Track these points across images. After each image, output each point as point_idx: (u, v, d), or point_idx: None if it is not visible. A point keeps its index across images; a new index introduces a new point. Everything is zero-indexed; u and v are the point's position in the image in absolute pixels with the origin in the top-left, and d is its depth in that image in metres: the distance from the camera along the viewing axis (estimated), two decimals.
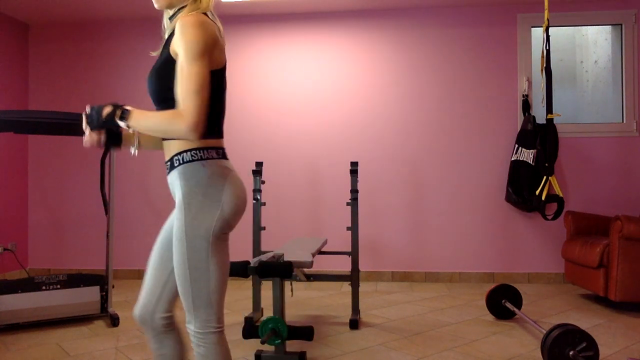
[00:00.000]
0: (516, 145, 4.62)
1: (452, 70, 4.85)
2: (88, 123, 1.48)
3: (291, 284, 3.74)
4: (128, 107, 1.44)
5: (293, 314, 3.67)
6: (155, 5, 1.56)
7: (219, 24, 1.54)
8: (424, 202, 4.83)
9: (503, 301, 3.47)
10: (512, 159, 4.62)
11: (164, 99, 1.48)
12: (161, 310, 1.59)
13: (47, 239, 5.17)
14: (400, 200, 4.84)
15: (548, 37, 3.37)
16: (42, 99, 5.21)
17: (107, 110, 1.45)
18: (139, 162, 5.08)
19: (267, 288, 4.47)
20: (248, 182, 4.94)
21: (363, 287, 4.60)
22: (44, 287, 3.34)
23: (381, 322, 3.45)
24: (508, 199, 4.62)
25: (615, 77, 4.84)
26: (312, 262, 2.58)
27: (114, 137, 1.61)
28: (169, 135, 1.43)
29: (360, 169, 4.89)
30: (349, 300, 4.08)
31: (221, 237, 1.47)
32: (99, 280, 3.53)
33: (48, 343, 3.04)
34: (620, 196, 4.66)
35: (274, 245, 4.87)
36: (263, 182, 3.64)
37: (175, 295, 1.61)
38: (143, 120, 1.42)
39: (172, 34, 1.51)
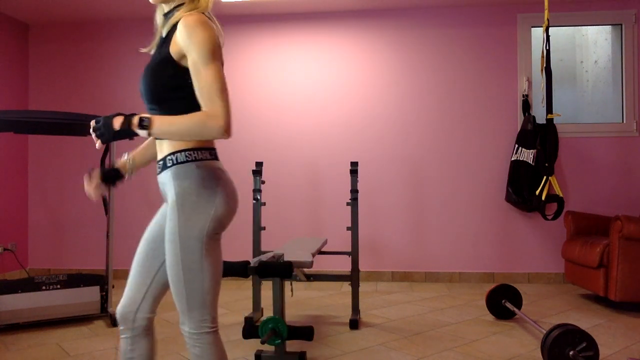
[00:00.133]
0: (516, 145, 4.62)
1: (452, 70, 4.85)
2: (99, 136, 1.42)
3: (291, 284, 3.74)
4: (146, 115, 1.40)
5: (293, 314, 3.67)
6: (150, 0, 1.55)
7: (217, 24, 1.53)
8: (424, 202, 4.83)
9: (503, 301, 3.47)
10: (512, 159, 4.62)
11: (161, 98, 1.47)
12: (145, 310, 1.58)
13: (47, 239, 5.18)
14: (400, 200, 4.84)
15: (548, 37, 3.37)
16: (42, 99, 5.21)
17: (118, 121, 1.40)
18: None
19: (267, 288, 4.47)
20: (248, 182, 4.95)
21: (363, 287, 4.60)
22: (44, 287, 3.34)
23: (381, 322, 3.45)
24: (508, 199, 4.62)
25: (615, 77, 4.84)
26: (312, 262, 2.58)
27: (113, 177, 1.67)
28: (200, 137, 1.40)
29: (360, 169, 4.89)
30: (349, 300, 4.08)
31: (214, 237, 1.48)
32: (99, 280, 3.53)
33: (48, 343, 3.04)
34: (620, 196, 4.66)
35: (274, 245, 4.87)
36: (263, 182, 3.64)
37: (160, 294, 1.60)
38: (167, 126, 1.39)
39: (169, 33, 1.49)
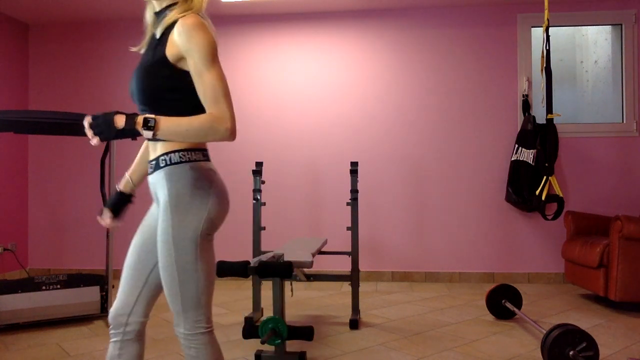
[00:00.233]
0: (516, 145, 4.62)
1: (452, 70, 4.85)
2: (98, 134, 1.38)
3: (291, 284, 3.74)
4: (151, 116, 1.37)
5: (293, 314, 3.67)
6: None
7: (211, 24, 1.52)
8: (424, 202, 4.83)
9: (503, 301, 3.47)
10: (512, 159, 4.62)
11: (155, 100, 1.45)
12: (138, 313, 1.56)
13: (47, 239, 5.18)
14: (400, 200, 4.84)
15: (548, 37, 3.37)
16: (42, 99, 5.21)
17: (120, 119, 1.36)
18: None
19: (267, 288, 4.47)
20: (248, 182, 4.95)
21: (363, 287, 4.60)
22: (44, 287, 3.34)
23: (381, 322, 3.45)
24: (508, 199, 4.62)
25: (615, 77, 4.84)
26: (312, 262, 2.58)
27: (121, 203, 1.73)
28: (206, 140, 1.40)
29: (360, 168, 4.89)
30: (349, 300, 4.08)
31: (207, 238, 1.48)
32: (99, 280, 3.53)
33: (48, 343, 3.04)
34: (620, 196, 4.66)
35: (274, 245, 4.87)
36: (263, 182, 3.64)
37: (153, 297, 1.59)
38: (174, 127, 1.37)
39: (164, 34, 1.47)
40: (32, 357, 2.80)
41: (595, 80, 5.18)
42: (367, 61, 4.92)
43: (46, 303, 3.33)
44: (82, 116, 3.31)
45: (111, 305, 3.54)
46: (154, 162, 1.50)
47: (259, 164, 3.71)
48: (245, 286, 4.67)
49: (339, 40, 4.95)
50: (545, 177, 3.37)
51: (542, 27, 4.40)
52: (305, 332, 2.47)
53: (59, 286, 3.39)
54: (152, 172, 1.52)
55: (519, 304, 3.48)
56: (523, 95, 4.73)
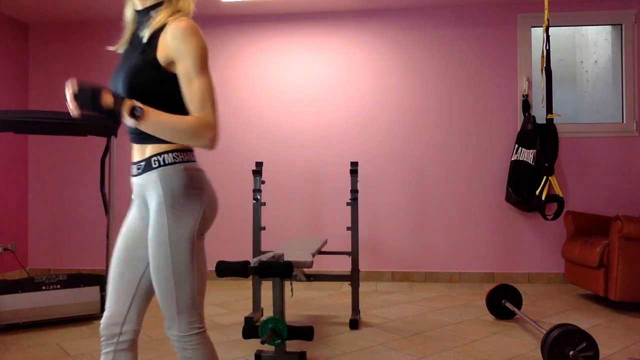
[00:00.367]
0: (516, 145, 4.62)
1: (452, 70, 4.85)
2: (80, 105, 1.33)
3: (291, 284, 3.74)
4: (140, 105, 1.34)
5: (293, 314, 3.67)
6: None
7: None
8: (424, 202, 4.83)
9: (503, 301, 3.47)
10: (512, 159, 4.62)
11: (143, 103, 1.40)
12: (132, 322, 1.52)
13: (47, 239, 5.18)
14: (400, 200, 4.84)
15: (548, 37, 3.37)
16: (42, 99, 5.21)
17: (108, 97, 1.32)
18: None
19: (267, 288, 4.47)
20: (248, 182, 4.95)
21: (363, 287, 4.60)
22: (44, 287, 3.34)
23: (381, 322, 3.45)
24: (508, 199, 4.62)
25: (615, 77, 4.84)
26: (312, 262, 2.58)
27: (89, 99, 1.35)
28: (187, 142, 1.39)
29: (360, 168, 4.89)
30: (349, 300, 4.08)
31: (200, 237, 1.48)
32: (99, 280, 3.53)
33: (48, 343, 3.04)
34: (620, 196, 4.66)
35: (274, 245, 4.87)
36: (263, 182, 3.64)
37: (146, 304, 1.55)
38: (160, 122, 1.35)
39: (153, 36, 1.44)
40: (32, 357, 2.80)
41: (595, 80, 5.18)
42: (367, 61, 4.92)
43: (46, 303, 3.33)
44: (82, 116, 3.31)
45: None
46: (142, 164, 1.47)
47: (259, 164, 3.71)
48: (245, 286, 4.67)
49: (339, 40, 4.95)
50: (545, 177, 3.37)
51: (542, 27, 4.40)
52: (305, 332, 2.47)
53: (59, 286, 3.39)
54: (140, 174, 1.48)
55: (519, 304, 3.48)
56: (523, 95, 4.73)
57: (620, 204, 4.65)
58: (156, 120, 1.35)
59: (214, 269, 4.82)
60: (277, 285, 2.55)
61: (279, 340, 2.47)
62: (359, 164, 4.42)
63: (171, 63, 1.41)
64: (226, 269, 2.45)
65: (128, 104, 1.33)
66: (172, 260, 1.43)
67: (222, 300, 4.13)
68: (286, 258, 2.62)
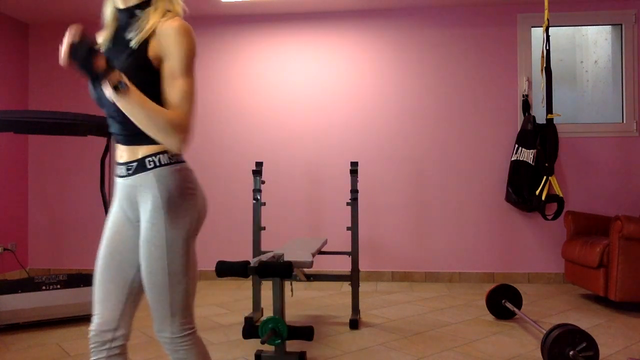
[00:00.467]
0: (516, 145, 4.62)
1: (452, 70, 4.85)
2: (72, 57, 1.24)
3: (291, 284, 3.74)
4: (126, 81, 1.29)
5: (293, 314, 3.67)
6: None
7: None
8: (424, 202, 4.83)
9: (503, 301, 3.47)
10: (512, 159, 4.62)
11: None
12: (124, 327, 1.49)
13: (47, 239, 5.17)
14: (400, 200, 4.84)
15: (548, 37, 3.37)
16: (42, 99, 5.21)
17: (101, 61, 1.24)
18: None
19: (267, 288, 4.47)
20: (248, 182, 4.95)
21: (363, 287, 4.60)
22: (44, 287, 3.34)
23: (381, 322, 3.45)
24: (508, 199, 4.62)
25: (615, 77, 4.84)
26: (312, 262, 2.58)
27: (84, 54, 1.28)
28: (157, 136, 1.35)
29: (360, 169, 4.89)
30: (349, 300, 4.08)
31: (194, 238, 1.48)
32: None
33: (48, 343, 3.04)
34: (620, 196, 4.66)
35: (274, 245, 4.87)
36: (263, 182, 3.64)
37: (135, 308, 1.52)
38: (139, 105, 1.31)
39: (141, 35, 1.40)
40: (32, 357, 2.80)
41: (595, 80, 5.18)
42: (367, 61, 4.92)
43: (46, 303, 3.33)
44: (82, 116, 3.31)
45: None
46: (134, 164, 1.44)
47: (259, 164, 3.71)
48: (245, 286, 4.67)
49: (339, 40, 4.95)
50: (545, 177, 3.37)
51: (542, 27, 4.40)
52: (305, 332, 2.47)
53: (59, 286, 3.39)
54: (130, 175, 1.45)
55: (519, 304, 3.48)
56: (523, 95, 4.73)
57: (620, 204, 4.65)
58: (137, 101, 1.31)
59: (214, 269, 4.82)
60: (277, 285, 2.55)
61: (279, 340, 2.47)
62: (359, 164, 4.41)
63: (160, 61, 1.40)
64: (226, 269, 2.45)
65: (116, 75, 1.27)
66: (168, 262, 1.41)
67: (222, 300, 4.13)
68: (286, 258, 2.62)
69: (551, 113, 3.40)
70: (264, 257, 2.56)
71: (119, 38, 1.46)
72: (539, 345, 2.91)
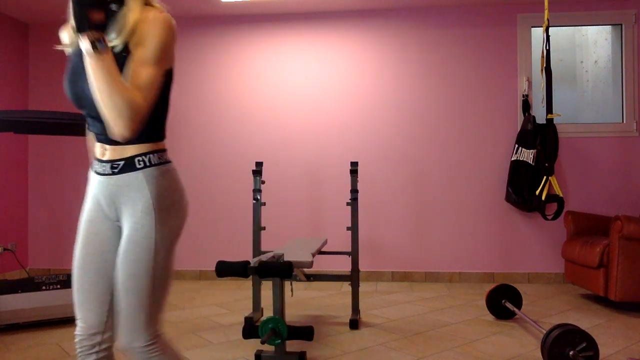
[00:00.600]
0: (516, 145, 4.62)
1: (452, 70, 4.85)
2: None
3: (291, 284, 3.74)
4: (108, 43, 1.23)
5: (293, 314, 3.67)
6: None
7: None
8: (424, 202, 4.83)
9: (503, 301, 3.47)
10: (512, 159, 4.62)
11: None
12: (111, 329, 1.45)
13: (47, 239, 5.17)
14: (400, 200, 4.84)
15: (548, 37, 3.37)
16: (42, 99, 5.21)
17: (98, 15, 1.20)
18: None
19: (267, 288, 4.47)
20: (248, 182, 4.95)
21: (363, 287, 4.60)
22: (44, 287, 3.34)
23: (381, 322, 3.45)
24: (508, 199, 4.62)
25: (615, 77, 4.84)
26: (312, 262, 2.58)
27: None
28: (106, 109, 1.24)
29: (360, 169, 4.89)
30: (349, 300, 4.08)
31: (177, 242, 1.45)
32: None
33: (48, 343, 3.04)
34: (620, 196, 4.66)
35: (274, 245, 4.87)
36: (263, 182, 3.64)
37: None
38: (108, 74, 1.22)
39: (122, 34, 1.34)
40: (32, 357, 2.80)
41: (595, 80, 5.18)
42: (366, 61, 4.92)
43: (46, 303, 3.33)
44: (82, 116, 3.31)
45: None
46: (121, 163, 1.40)
47: (259, 164, 3.71)
48: (245, 286, 4.67)
49: (339, 40, 4.95)
50: (545, 177, 3.37)
51: (542, 27, 4.39)
52: (305, 332, 2.47)
53: (59, 286, 3.39)
54: (115, 173, 1.40)
55: (519, 304, 3.48)
56: (523, 95, 4.73)
57: (620, 204, 4.65)
58: (107, 69, 1.22)
59: (214, 269, 4.81)
60: (277, 285, 2.55)
61: (279, 340, 2.47)
62: (359, 164, 4.41)
63: (135, 46, 1.33)
64: (226, 269, 2.45)
65: (100, 34, 1.21)
66: (153, 265, 1.37)
67: (222, 300, 4.13)
68: (286, 258, 2.62)
69: (551, 113, 3.40)
70: (264, 257, 2.56)
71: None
72: (539, 345, 2.91)
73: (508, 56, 4.80)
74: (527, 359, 2.70)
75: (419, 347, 2.91)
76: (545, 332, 2.51)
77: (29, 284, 3.32)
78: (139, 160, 1.40)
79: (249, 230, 4.90)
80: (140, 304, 1.37)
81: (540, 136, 4.36)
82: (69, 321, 3.51)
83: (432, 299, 4.13)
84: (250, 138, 4.99)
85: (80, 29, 1.20)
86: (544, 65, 3.41)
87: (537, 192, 3.41)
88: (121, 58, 1.32)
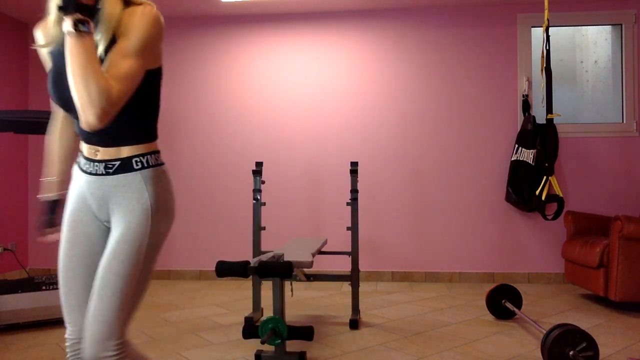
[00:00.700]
0: (516, 145, 4.62)
1: (452, 70, 4.85)
2: None
3: (291, 284, 3.74)
4: (92, 29, 1.21)
5: (293, 314, 3.67)
6: None
7: None
8: (424, 202, 4.83)
9: (503, 301, 3.47)
10: (512, 159, 4.62)
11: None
12: None
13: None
14: (400, 200, 4.84)
15: (548, 37, 3.37)
16: (42, 99, 5.21)
17: None
18: None
19: (267, 288, 4.47)
20: (248, 182, 4.95)
21: (363, 287, 4.60)
22: (44, 287, 3.34)
23: (381, 322, 3.45)
24: (508, 199, 4.62)
25: (615, 77, 4.84)
26: (312, 262, 2.58)
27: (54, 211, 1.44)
28: (80, 97, 1.19)
29: (360, 169, 4.89)
30: (349, 300, 4.08)
31: None
32: None
33: (48, 343, 3.04)
34: (620, 196, 4.66)
35: (274, 245, 4.87)
36: (263, 182, 3.64)
37: None
38: (85, 59, 1.18)
39: (107, 31, 1.30)
40: (32, 357, 2.80)
41: (595, 80, 5.18)
42: (366, 61, 4.92)
43: (46, 303, 3.33)
44: None
45: None
46: (116, 163, 1.38)
47: (259, 164, 3.71)
48: (245, 286, 4.67)
49: (338, 40, 4.95)
50: (545, 177, 3.36)
51: (542, 27, 4.40)
52: (305, 332, 2.47)
53: (58, 286, 3.38)
54: (110, 174, 1.38)
55: (519, 304, 3.48)
56: (523, 95, 4.73)
57: (620, 204, 4.65)
58: (86, 53, 1.19)
59: (214, 269, 4.81)
60: (277, 285, 2.55)
61: (279, 340, 2.47)
62: (359, 164, 4.42)
63: (119, 37, 1.30)
64: (226, 269, 2.45)
65: (85, 17, 1.20)
66: (142, 268, 1.35)
67: (222, 300, 4.13)
68: (286, 258, 2.62)
69: (551, 113, 3.40)
70: (264, 257, 2.56)
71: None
72: (539, 345, 2.91)
73: (508, 56, 4.80)
74: (527, 359, 2.70)
75: (419, 347, 2.91)
76: (545, 332, 2.51)
77: (29, 284, 3.32)
78: (136, 161, 1.38)
79: (249, 230, 4.90)
80: (119, 307, 1.31)
81: (540, 136, 4.36)
82: None
83: (432, 299, 4.13)
84: (250, 138, 4.99)
85: (65, 8, 1.19)
86: (544, 65, 3.41)
87: (537, 192, 3.41)
88: (102, 55, 1.29)
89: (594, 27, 5.06)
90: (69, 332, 1.43)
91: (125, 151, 1.38)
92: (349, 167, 4.26)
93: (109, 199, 1.39)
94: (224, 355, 2.79)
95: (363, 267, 4.85)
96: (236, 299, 4.16)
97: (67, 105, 1.35)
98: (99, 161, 1.39)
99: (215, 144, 5.02)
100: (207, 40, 5.06)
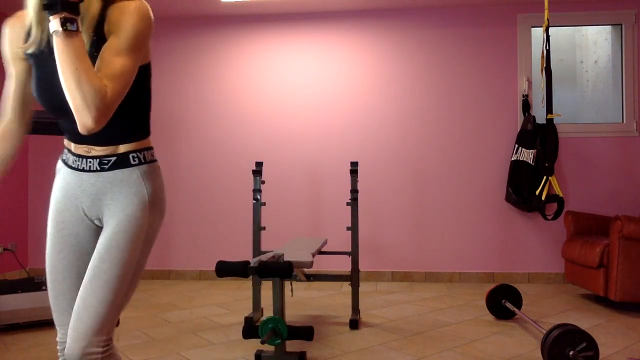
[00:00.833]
0: (516, 145, 4.62)
1: (452, 70, 4.85)
2: None
3: (291, 284, 3.74)
4: (80, 26, 1.16)
5: (293, 314, 3.67)
6: None
7: None
8: (424, 202, 4.83)
9: (503, 301, 3.47)
10: (512, 159, 4.62)
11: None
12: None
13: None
14: (400, 200, 4.84)
15: (548, 37, 3.37)
16: None
17: None
18: None
19: (267, 288, 4.47)
20: (248, 182, 4.95)
21: (363, 287, 4.60)
22: (44, 287, 3.34)
23: (381, 322, 3.45)
24: (508, 199, 4.62)
25: (615, 77, 4.84)
26: (312, 262, 2.58)
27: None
28: (74, 100, 1.15)
29: (360, 169, 4.89)
30: (349, 300, 4.08)
31: None
32: None
33: (48, 343, 3.04)
34: (620, 196, 4.67)
35: (274, 245, 4.87)
36: (263, 182, 3.64)
37: None
38: (75, 58, 1.14)
39: (97, 29, 1.26)
40: (32, 357, 2.80)
41: (595, 80, 5.18)
42: (366, 61, 4.92)
43: (46, 303, 3.33)
44: None
45: None
46: (112, 159, 1.35)
47: (259, 164, 3.71)
48: (245, 286, 4.67)
49: (339, 40, 4.95)
50: (545, 177, 3.37)
51: (542, 27, 4.40)
52: (305, 332, 2.47)
53: None
54: (106, 170, 1.35)
55: (519, 304, 3.48)
56: (523, 95, 4.73)
57: (620, 204, 4.65)
58: (75, 52, 1.14)
59: (214, 269, 4.82)
60: (277, 285, 2.55)
61: (279, 340, 2.47)
62: (359, 164, 4.42)
63: (109, 34, 1.25)
64: (226, 269, 2.45)
65: (72, 15, 1.14)
66: (136, 265, 1.33)
67: (222, 300, 4.13)
68: (286, 258, 2.62)
69: (551, 113, 3.40)
70: (264, 257, 2.56)
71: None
72: (539, 345, 2.91)
73: (508, 56, 4.80)
74: (527, 359, 2.70)
75: (419, 347, 2.91)
76: (545, 332, 2.51)
77: (29, 284, 3.32)
78: (133, 157, 1.37)
79: (249, 230, 4.90)
80: (112, 306, 1.28)
81: (540, 136, 4.37)
82: None
83: (432, 299, 4.13)
84: (250, 138, 5.00)
85: (52, 7, 1.12)
86: (544, 65, 3.41)
87: (537, 192, 3.41)
88: (93, 57, 1.24)
89: (594, 27, 5.06)
90: (60, 335, 1.41)
91: (122, 148, 1.36)
92: (349, 167, 4.26)
93: (103, 195, 1.35)
94: (224, 355, 2.79)
95: (363, 267, 4.85)
96: (236, 299, 4.16)
97: (61, 110, 1.29)
98: (93, 157, 1.35)
99: (215, 144, 5.02)
100: (207, 40, 5.06)
